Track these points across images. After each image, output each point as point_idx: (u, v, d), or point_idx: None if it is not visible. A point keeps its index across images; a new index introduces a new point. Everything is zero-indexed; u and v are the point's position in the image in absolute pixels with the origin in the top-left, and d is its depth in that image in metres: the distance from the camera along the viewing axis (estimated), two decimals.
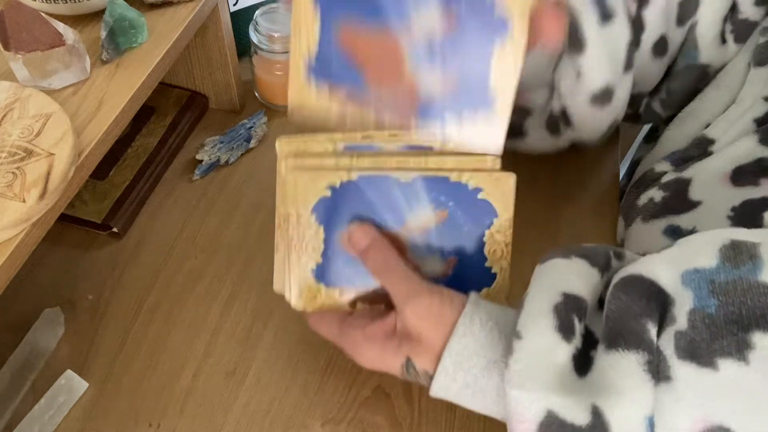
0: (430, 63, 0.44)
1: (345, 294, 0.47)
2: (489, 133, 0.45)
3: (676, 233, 0.50)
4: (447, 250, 0.47)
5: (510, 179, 0.46)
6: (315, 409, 0.53)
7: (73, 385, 0.53)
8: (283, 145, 0.45)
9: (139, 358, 0.56)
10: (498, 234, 0.47)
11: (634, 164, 0.66)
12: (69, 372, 0.54)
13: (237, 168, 0.70)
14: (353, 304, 0.47)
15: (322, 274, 0.46)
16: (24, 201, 0.42)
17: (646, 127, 0.71)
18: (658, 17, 0.53)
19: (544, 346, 0.36)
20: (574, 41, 0.50)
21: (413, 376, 0.42)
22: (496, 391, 0.39)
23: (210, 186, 0.68)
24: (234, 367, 0.56)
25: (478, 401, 0.40)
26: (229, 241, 0.64)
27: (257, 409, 0.53)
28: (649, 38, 0.54)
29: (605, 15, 0.50)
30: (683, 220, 0.50)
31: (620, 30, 0.51)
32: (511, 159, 0.47)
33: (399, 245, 0.46)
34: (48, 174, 0.44)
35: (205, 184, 0.68)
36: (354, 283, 0.47)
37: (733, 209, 0.47)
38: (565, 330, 0.37)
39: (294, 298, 0.47)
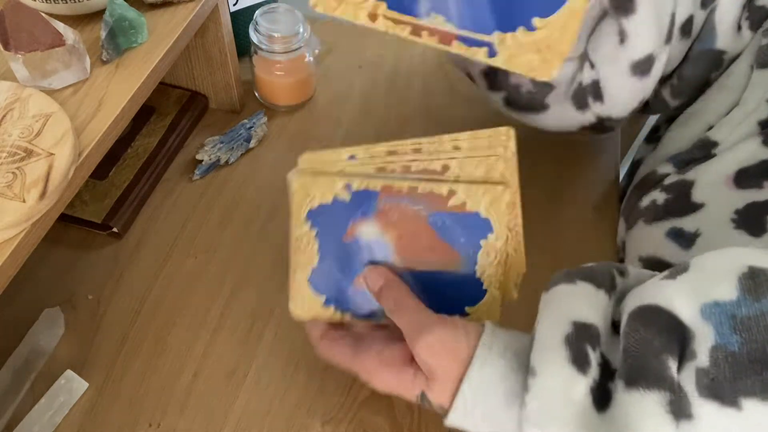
0: None
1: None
2: None
3: (679, 236, 0.50)
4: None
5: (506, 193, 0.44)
6: (315, 409, 0.53)
7: (73, 385, 0.53)
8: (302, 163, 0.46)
9: (139, 358, 0.56)
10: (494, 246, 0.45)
11: (635, 165, 0.65)
12: (69, 372, 0.54)
13: (237, 168, 0.69)
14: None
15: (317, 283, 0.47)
16: (24, 201, 0.42)
17: (647, 128, 0.71)
18: None
19: (559, 382, 0.36)
20: (624, 2, 0.48)
21: (427, 406, 0.42)
22: (517, 423, 0.38)
23: (210, 186, 0.68)
24: (234, 367, 0.55)
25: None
26: (229, 241, 0.64)
27: (257, 409, 0.53)
28: (679, 16, 0.52)
29: None
30: (686, 223, 0.50)
31: None
32: None
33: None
34: (48, 174, 0.44)
35: (205, 184, 0.68)
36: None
37: (737, 212, 0.47)
38: (580, 362, 0.36)
39: (294, 307, 0.47)
